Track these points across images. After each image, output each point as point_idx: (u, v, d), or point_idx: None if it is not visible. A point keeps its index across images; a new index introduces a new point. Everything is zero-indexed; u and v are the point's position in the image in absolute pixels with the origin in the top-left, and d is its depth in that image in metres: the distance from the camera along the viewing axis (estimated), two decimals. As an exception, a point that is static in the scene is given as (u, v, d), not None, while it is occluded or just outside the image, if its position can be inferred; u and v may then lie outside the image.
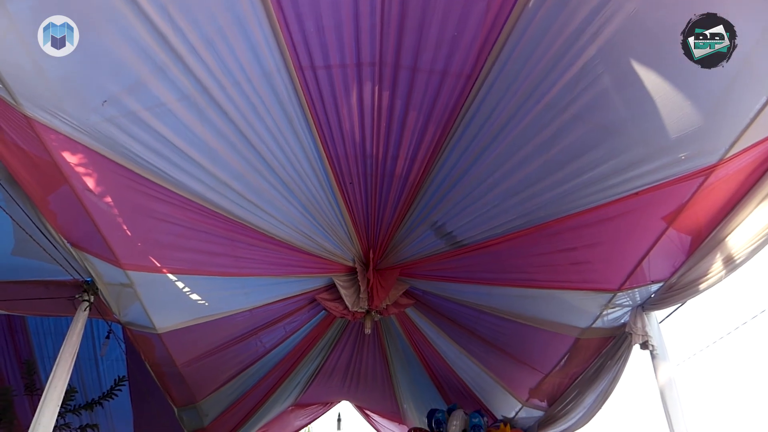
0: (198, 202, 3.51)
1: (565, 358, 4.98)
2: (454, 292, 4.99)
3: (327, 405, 8.46)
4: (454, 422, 6.05)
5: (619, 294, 4.06)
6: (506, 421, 6.43)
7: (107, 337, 5.55)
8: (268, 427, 8.35)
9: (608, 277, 3.97)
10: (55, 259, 3.49)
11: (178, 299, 4.32)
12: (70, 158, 2.93)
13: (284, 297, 5.13)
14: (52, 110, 2.67)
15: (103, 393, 6.94)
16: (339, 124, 3.38)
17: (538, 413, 5.94)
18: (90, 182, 3.11)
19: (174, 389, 5.83)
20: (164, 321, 4.49)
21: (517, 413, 6.17)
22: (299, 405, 8.07)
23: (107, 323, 4.99)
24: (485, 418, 6.13)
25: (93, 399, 6.94)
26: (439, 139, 3.46)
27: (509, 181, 3.51)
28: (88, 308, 3.88)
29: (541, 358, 5.20)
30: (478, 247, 4.14)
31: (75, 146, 2.88)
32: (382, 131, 3.47)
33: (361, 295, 5.05)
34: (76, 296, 3.88)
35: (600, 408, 4.97)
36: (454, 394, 6.70)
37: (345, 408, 8.68)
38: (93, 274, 3.76)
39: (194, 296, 4.35)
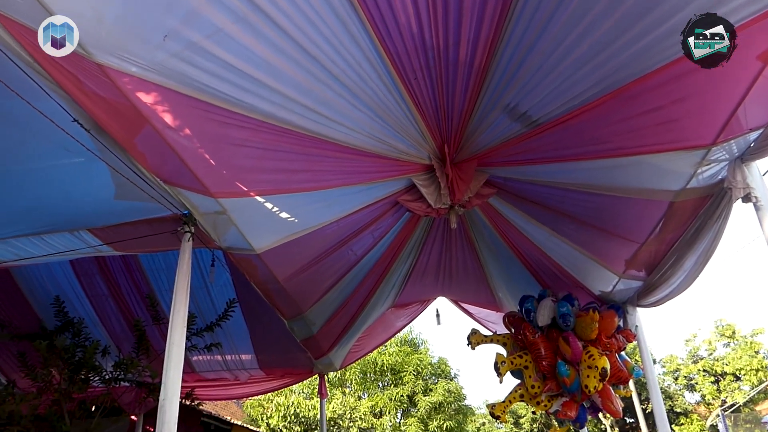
0: (271, 123, 3.58)
1: (661, 224, 4.84)
2: (536, 174, 4.90)
3: (424, 303, 8.80)
4: (542, 311, 6.15)
5: (713, 149, 3.82)
6: (602, 296, 6.46)
7: (212, 264, 5.96)
8: (372, 329, 8.86)
9: (700, 132, 3.75)
10: (153, 198, 3.73)
11: (270, 219, 4.53)
12: (146, 98, 3.04)
13: (367, 204, 5.25)
14: (120, 54, 2.75)
15: (219, 316, 7.57)
16: (394, 19, 3.27)
17: (637, 283, 5.91)
18: (168, 119, 3.23)
19: (281, 303, 6.25)
20: (260, 241, 4.75)
21: (614, 286, 6.16)
22: (398, 306, 8.44)
23: (210, 251, 5.35)
24: (576, 303, 6.18)
25: (211, 322, 7.60)
26: (500, 16, 3.28)
27: (581, 48, 3.30)
28: (191, 239, 4.16)
29: (634, 227, 5.09)
30: (555, 123, 4.00)
31: (148, 86, 2.98)
32: (439, 18, 3.33)
33: (442, 192, 5.08)
34: (178, 229, 4.15)
35: (702, 269, 4.86)
36: (548, 277, 6.75)
37: (442, 303, 8.98)
38: (189, 207, 4.00)
39: (283, 214, 4.55)
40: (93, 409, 8.12)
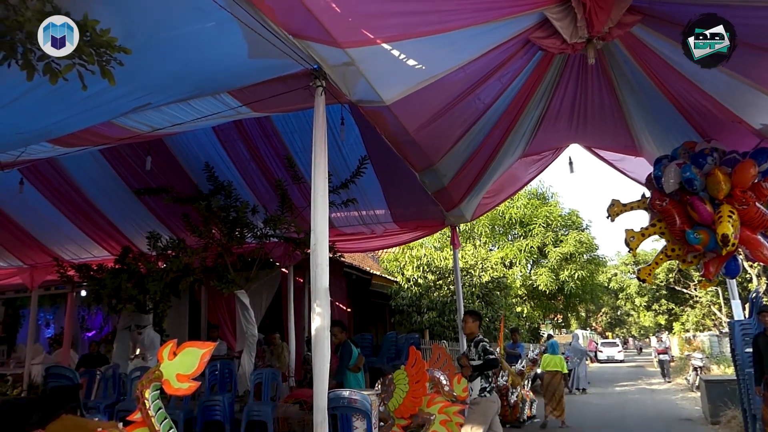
0: (393, -41, 3.39)
1: None
2: (691, -9, 4.28)
3: (556, 151, 8.48)
4: (668, 177, 5.83)
5: None
6: (764, 131, 5.82)
7: (342, 123, 6.12)
8: (502, 180, 8.81)
9: None
10: (284, 53, 3.78)
11: (397, 68, 4.46)
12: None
13: (495, 45, 4.96)
14: None
15: (352, 173, 7.90)
16: None
17: (808, 111, 5.22)
18: (291, -34, 3.16)
19: (412, 155, 6.34)
20: (389, 92, 4.73)
21: (779, 117, 5.49)
22: (529, 155, 8.22)
23: (340, 107, 5.45)
24: (711, 159, 5.70)
25: (346, 179, 7.97)
26: None
27: None
28: (323, 93, 4.23)
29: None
30: None
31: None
32: None
33: (578, 24, 4.64)
34: (310, 84, 4.23)
35: None
36: (699, 114, 6.14)
37: (575, 151, 8.64)
38: (318, 60, 4.02)
39: (410, 62, 4.44)
40: (250, 261, 9.13)
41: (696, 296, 29.08)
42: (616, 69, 5.80)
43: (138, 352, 9.22)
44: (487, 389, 5.60)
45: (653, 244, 28.17)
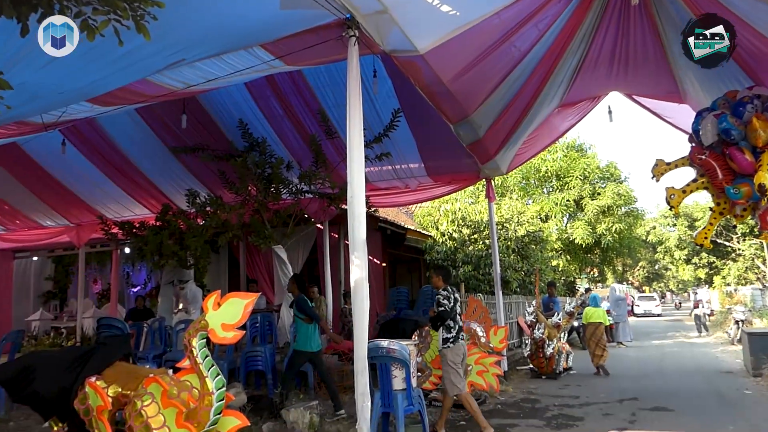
0: None
1: None
2: None
3: (594, 99, 8.24)
4: (705, 130, 5.70)
5: None
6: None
7: (374, 75, 6.04)
8: (538, 131, 8.62)
9: None
10: (316, 1, 3.71)
11: (430, 15, 4.35)
12: None
13: (533, -12, 4.80)
14: None
15: (385, 126, 7.84)
16: None
17: None
18: None
19: (446, 106, 6.23)
20: (423, 40, 4.62)
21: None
22: (566, 104, 8.00)
23: (373, 58, 5.37)
24: (751, 105, 5.46)
25: (379, 133, 7.91)
26: None
27: None
28: (356, 43, 4.17)
29: None
30: None
31: None
32: None
33: (621, -38, 4.43)
34: (343, 34, 4.16)
35: None
36: (750, 55, 5.83)
37: (615, 99, 8.37)
38: (350, 9, 3.95)
39: (444, 8, 4.32)
40: (286, 216, 9.24)
41: (738, 249, 28.38)
42: (661, 10, 5.55)
43: (181, 306, 9.55)
44: (450, 340, 5.56)
45: (696, 197, 27.43)
